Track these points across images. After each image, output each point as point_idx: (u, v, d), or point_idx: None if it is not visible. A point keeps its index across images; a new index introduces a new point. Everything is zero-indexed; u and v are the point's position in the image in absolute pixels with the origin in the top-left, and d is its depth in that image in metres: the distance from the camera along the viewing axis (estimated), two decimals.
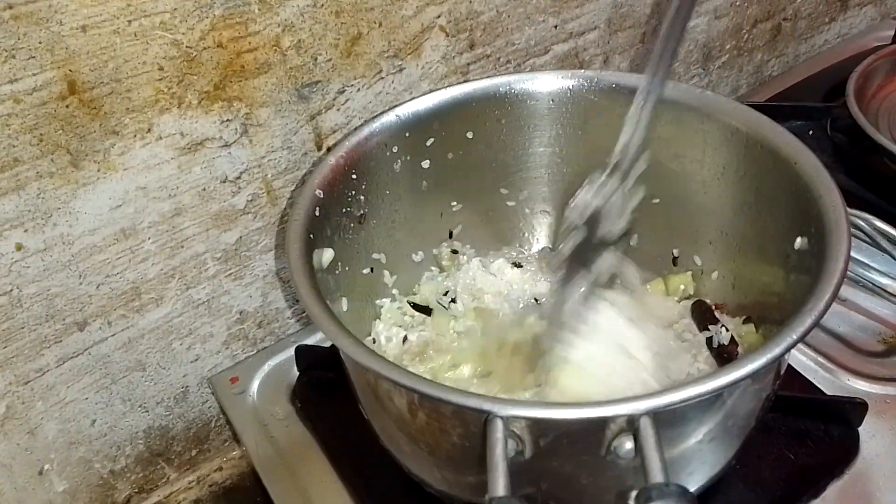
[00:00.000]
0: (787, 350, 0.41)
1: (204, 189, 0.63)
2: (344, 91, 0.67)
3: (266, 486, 0.63)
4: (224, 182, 0.64)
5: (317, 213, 0.56)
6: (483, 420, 0.40)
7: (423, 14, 0.68)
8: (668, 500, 0.34)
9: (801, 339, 0.42)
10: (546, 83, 0.66)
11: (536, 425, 0.41)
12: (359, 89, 0.68)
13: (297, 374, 0.72)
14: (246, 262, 0.70)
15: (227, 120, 0.61)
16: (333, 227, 0.59)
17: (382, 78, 0.69)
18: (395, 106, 0.64)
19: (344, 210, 0.61)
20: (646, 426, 0.38)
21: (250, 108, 0.62)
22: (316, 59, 0.63)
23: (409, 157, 0.65)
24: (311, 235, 0.54)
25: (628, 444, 0.39)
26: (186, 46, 0.56)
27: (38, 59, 0.50)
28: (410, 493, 0.59)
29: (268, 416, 0.69)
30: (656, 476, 0.36)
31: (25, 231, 0.55)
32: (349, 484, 0.62)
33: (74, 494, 0.70)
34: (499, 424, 0.39)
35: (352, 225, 0.62)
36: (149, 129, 0.58)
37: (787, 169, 0.55)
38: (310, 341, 0.74)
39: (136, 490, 0.75)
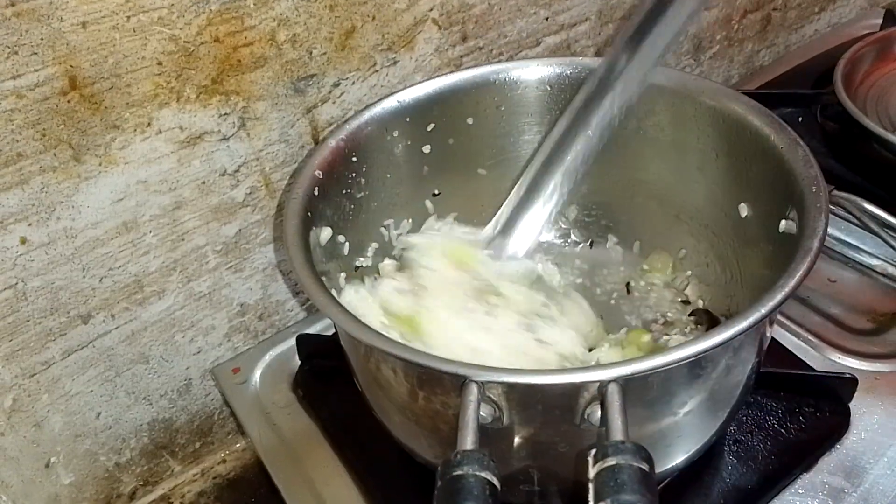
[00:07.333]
0: (755, 324, 0.42)
1: (203, 182, 0.64)
2: (339, 84, 0.68)
3: (270, 473, 0.64)
4: (223, 175, 0.65)
5: (315, 193, 0.56)
6: (460, 385, 0.41)
7: (415, 7, 0.69)
8: (623, 456, 0.34)
9: (771, 314, 0.42)
10: (539, 71, 0.67)
11: (511, 391, 0.42)
12: (354, 82, 0.69)
13: (299, 363, 0.72)
14: (246, 255, 0.71)
15: (225, 113, 0.62)
16: (333, 208, 0.60)
17: (377, 71, 0.70)
18: (396, 91, 0.64)
19: (344, 192, 0.61)
20: (612, 393, 0.39)
21: (247, 101, 0.63)
22: (311, 52, 0.64)
23: (409, 142, 0.65)
24: (309, 213, 0.55)
25: (599, 412, 0.40)
26: (184, 41, 0.57)
27: (39, 56, 0.51)
28: (412, 476, 0.60)
29: (270, 405, 0.69)
30: (615, 435, 0.37)
31: (29, 225, 0.56)
32: (352, 468, 0.63)
33: (81, 487, 0.71)
34: (473, 388, 0.40)
35: (352, 207, 0.62)
36: (148, 124, 0.58)
37: (773, 153, 0.55)
38: (311, 331, 0.74)
39: (142, 483, 0.76)
